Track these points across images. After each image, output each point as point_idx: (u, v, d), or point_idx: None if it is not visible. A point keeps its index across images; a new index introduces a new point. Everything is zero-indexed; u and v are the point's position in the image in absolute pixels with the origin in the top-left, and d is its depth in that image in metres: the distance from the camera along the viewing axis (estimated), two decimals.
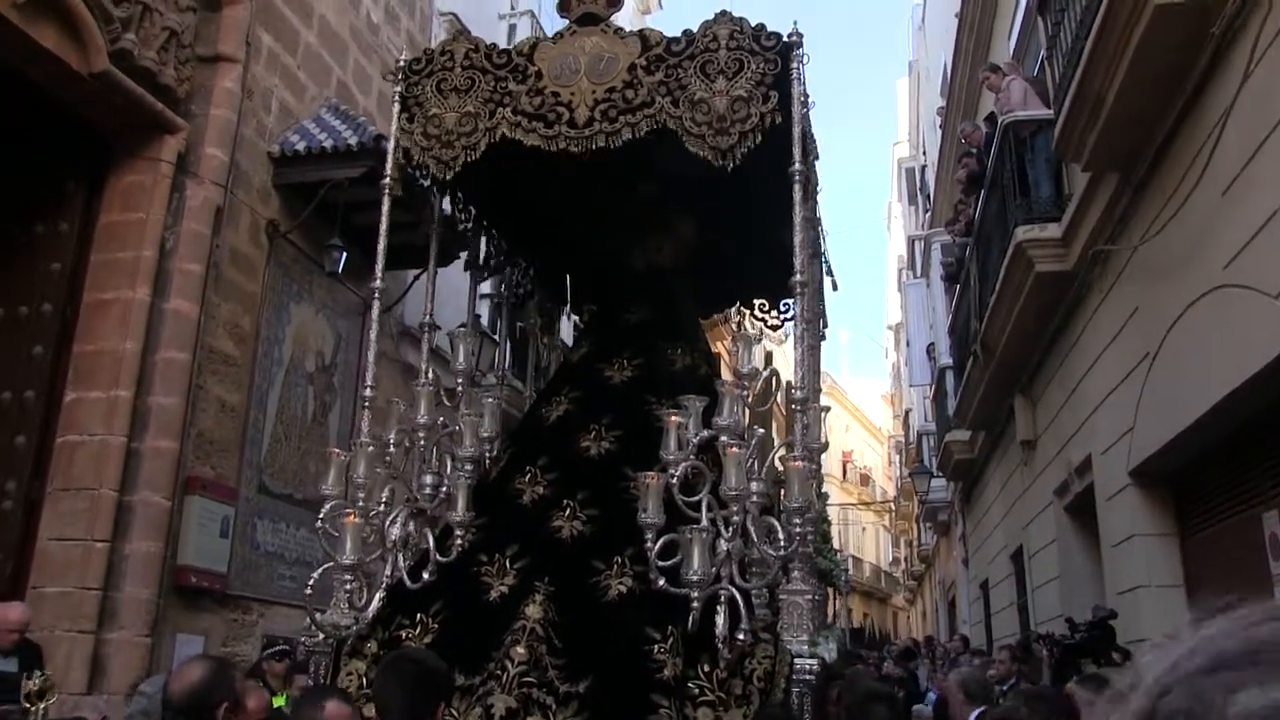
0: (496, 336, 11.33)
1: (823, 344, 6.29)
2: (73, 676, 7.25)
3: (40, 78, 7.57)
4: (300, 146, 9.70)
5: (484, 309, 13.21)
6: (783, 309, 7.11)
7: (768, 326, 7.21)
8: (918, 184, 25.99)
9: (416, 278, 10.80)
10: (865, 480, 51.53)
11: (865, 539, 49.78)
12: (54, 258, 8.29)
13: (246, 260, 9.27)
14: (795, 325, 4.82)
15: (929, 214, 21.89)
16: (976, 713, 6.96)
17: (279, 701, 6.48)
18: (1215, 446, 6.82)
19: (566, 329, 9.25)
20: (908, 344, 25.54)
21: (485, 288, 13.59)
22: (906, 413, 33.86)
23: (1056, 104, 7.97)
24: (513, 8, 15.86)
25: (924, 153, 24.85)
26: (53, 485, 7.82)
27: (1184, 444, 6.91)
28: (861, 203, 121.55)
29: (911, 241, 25.67)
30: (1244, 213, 5.66)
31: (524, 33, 14.54)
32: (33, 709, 3.86)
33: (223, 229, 8.86)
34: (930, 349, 19.42)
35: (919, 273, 22.68)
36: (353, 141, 9.64)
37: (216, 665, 3.42)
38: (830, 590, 5.71)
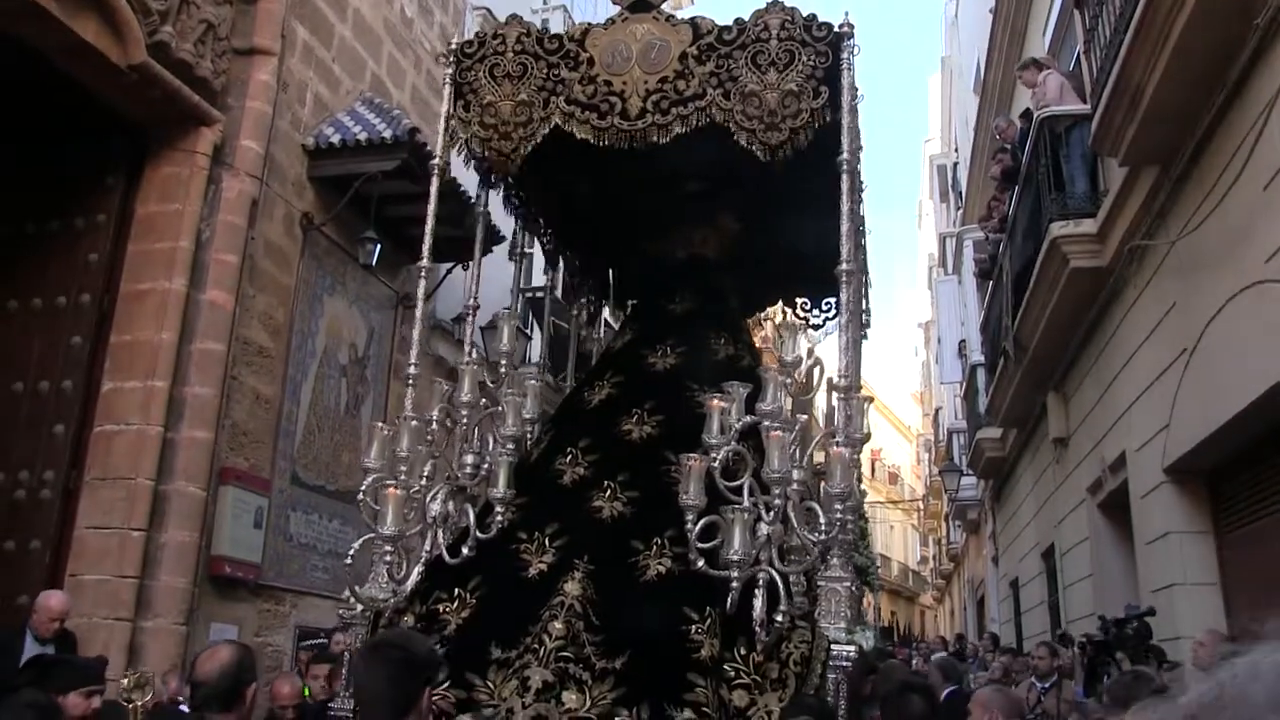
0: (528, 330, 11.38)
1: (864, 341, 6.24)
2: (110, 663, 7.32)
3: (80, 70, 7.64)
4: (335, 139, 9.77)
5: (516, 303, 13.23)
6: (824, 307, 7.09)
7: (809, 325, 7.20)
8: (950, 180, 25.84)
9: (449, 271, 10.85)
10: (894, 478, 51.39)
11: (893, 537, 49.64)
12: (92, 249, 8.39)
13: (281, 252, 9.34)
14: (840, 315, 4.79)
15: (961, 210, 21.77)
16: (949, 690, 7.22)
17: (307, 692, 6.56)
18: (1253, 443, 6.75)
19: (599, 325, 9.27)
20: (939, 341, 25.43)
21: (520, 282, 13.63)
22: (936, 410, 33.71)
23: (1094, 97, 7.91)
24: (545, 2, 15.87)
25: (956, 149, 24.72)
26: (90, 474, 7.91)
27: (1221, 440, 6.84)
28: (892, 200, 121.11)
29: (943, 238, 25.54)
30: None
31: (557, 26, 14.56)
32: (131, 705, 3.92)
33: (258, 221, 8.93)
34: (961, 346, 19.33)
35: (950, 269, 22.57)
36: (386, 134, 9.69)
37: (242, 648, 3.48)
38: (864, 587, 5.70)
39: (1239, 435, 6.66)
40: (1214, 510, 7.69)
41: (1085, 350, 10.34)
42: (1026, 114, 10.63)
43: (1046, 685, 8.28)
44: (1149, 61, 6.52)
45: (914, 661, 16.12)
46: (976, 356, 16.71)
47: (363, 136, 9.73)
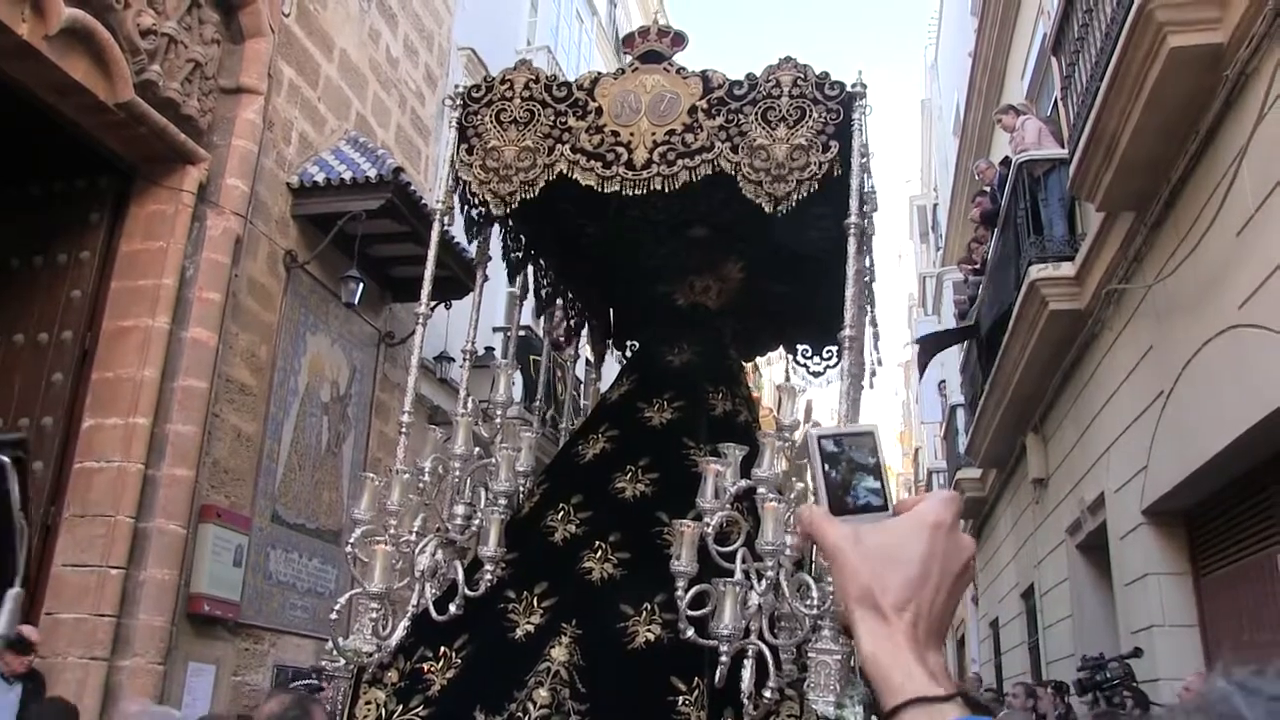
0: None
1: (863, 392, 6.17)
2: (86, 704, 7.24)
3: (67, 108, 7.67)
4: (319, 178, 9.79)
5: (496, 341, 13.26)
6: (825, 354, 7.04)
7: (809, 373, 7.14)
8: (929, 221, 26.08)
9: (432, 309, 10.85)
10: None
11: None
12: (75, 285, 8.37)
13: (264, 290, 9.34)
14: (841, 379, 4.75)
15: (940, 251, 21.96)
16: None
17: None
18: (1230, 485, 6.83)
19: (582, 368, 9.26)
20: (919, 381, 25.55)
21: (499, 321, 13.65)
22: (916, 450, 33.81)
23: (1071, 144, 8.04)
24: (529, 43, 16.02)
25: (935, 190, 24.97)
26: (69, 511, 7.85)
27: (1198, 482, 6.91)
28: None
29: (923, 279, 25.74)
30: (1258, 253, 5.70)
31: (541, 68, 14.67)
32: None
33: (241, 258, 8.93)
34: (941, 386, 19.44)
35: (930, 310, 22.72)
36: (371, 174, 9.72)
37: (303, 698, 3.47)
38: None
39: (1217, 477, 6.74)
40: (1192, 552, 7.75)
41: (1064, 392, 10.44)
42: (1006, 160, 10.78)
43: None
44: (1124, 110, 6.64)
45: None
46: (956, 397, 16.82)
47: (347, 175, 9.76)
